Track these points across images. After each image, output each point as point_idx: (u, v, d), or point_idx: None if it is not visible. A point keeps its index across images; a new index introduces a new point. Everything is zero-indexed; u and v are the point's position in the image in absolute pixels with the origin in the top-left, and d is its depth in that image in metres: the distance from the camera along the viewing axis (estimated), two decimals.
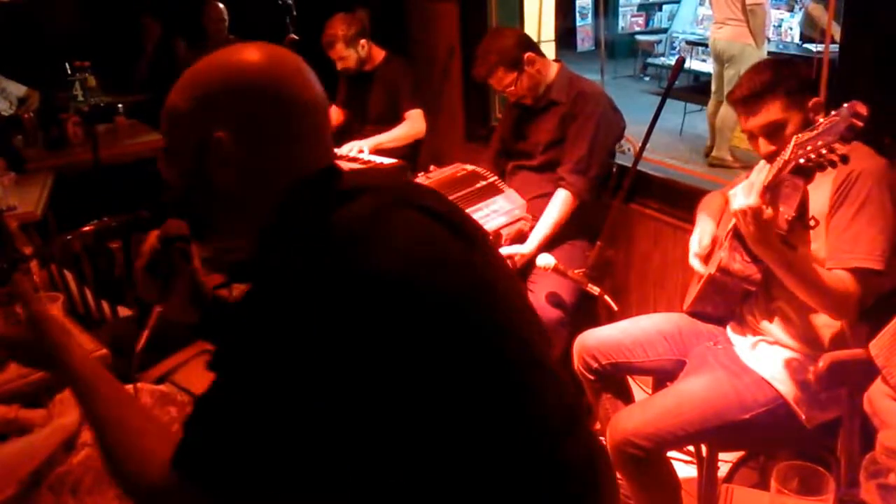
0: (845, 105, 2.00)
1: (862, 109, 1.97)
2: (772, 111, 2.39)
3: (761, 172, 2.35)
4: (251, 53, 1.40)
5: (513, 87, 3.69)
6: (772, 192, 2.22)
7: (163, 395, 2.43)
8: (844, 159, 2.01)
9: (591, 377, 2.89)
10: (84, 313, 3.53)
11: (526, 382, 1.39)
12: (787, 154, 2.16)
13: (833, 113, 2.04)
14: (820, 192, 2.38)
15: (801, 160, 2.08)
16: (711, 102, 7.74)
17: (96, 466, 2.12)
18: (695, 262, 2.76)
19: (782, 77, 2.40)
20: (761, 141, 2.43)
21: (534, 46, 3.76)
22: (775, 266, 2.30)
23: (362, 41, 4.79)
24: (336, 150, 3.80)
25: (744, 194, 2.21)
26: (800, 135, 2.14)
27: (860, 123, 1.96)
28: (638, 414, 2.47)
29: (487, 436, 1.30)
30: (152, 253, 1.70)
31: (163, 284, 1.72)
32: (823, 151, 2.02)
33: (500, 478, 1.32)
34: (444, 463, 1.28)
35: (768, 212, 2.19)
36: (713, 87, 7.74)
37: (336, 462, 1.27)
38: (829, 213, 2.36)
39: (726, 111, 7.30)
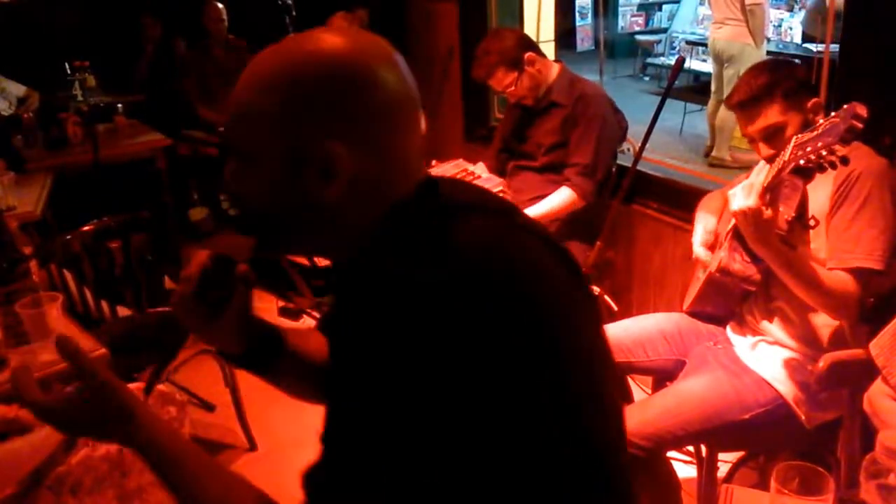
0: (845, 106, 2.00)
1: (862, 111, 1.97)
2: (770, 115, 2.39)
3: (760, 173, 2.35)
4: (337, 39, 1.21)
5: (513, 88, 3.69)
6: (771, 192, 2.22)
7: (162, 394, 2.43)
8: (844, 161, 2.01)
9: None
10: (83, 313, 3.53)
11: (607, 417, 1.28)
12: (786, 155, 2.17)
13: (833, 114, 2.04)
14: (820, 192, 2.38)
15: (801, 161, 2.08)
16: (711, 102, 7.73)
17: (96, 466, 2.13)
18: (700, 251, 2.77)
19: (780, 79, 2.40)
20: (761, 145, 2.44)
21: (534, 46, 3.76)
22: (775, 266, 2.30)
23: None
24: None
25: (743, 195, 2.21)
26: (799, 135, 2.15)
27: (860, 125, 1.97)
28: (637, 414, 2.47)
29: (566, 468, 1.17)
30: (204, 276, 1.43)
31: (211, 312, 1.45)
32: (823, 153, 2.02)
33: None
34: (531, 485, 1.14)
35: (768, 212, 2.19)
36: (713, 87, 7.73)
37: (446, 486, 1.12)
38: (830, 213, 2.35)
39: (726, 112, 7.28)
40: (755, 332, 2.63)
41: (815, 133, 2.07)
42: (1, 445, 2.13)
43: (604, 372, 1.30)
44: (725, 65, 7.34)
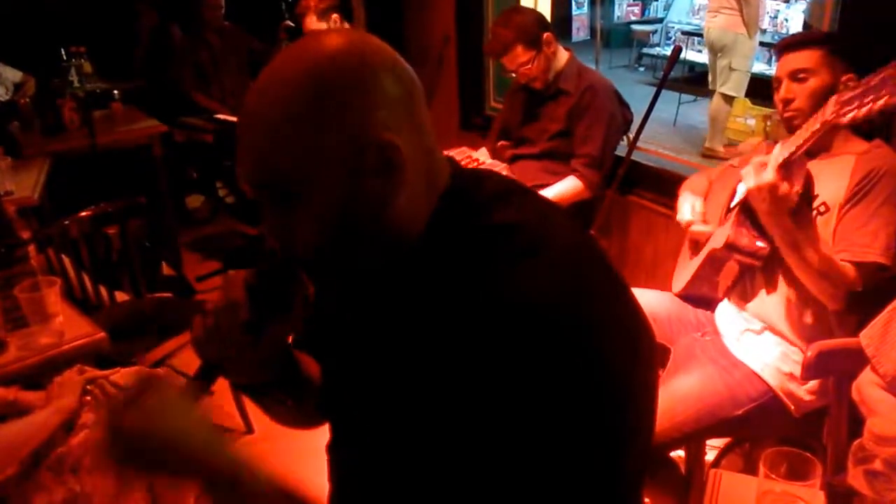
0: (888, 65, 1.94)
1: None
2: (806, 58, 2.43)
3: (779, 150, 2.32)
4: (334, 39, 1.14)
5: (527, 67, 3.65)
6: (786, 168, 2.22)
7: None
8: (882, 121, 1.97)
9: None
10: (81, 298, 3.55)
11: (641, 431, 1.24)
12: (827, 113, 2.11)
13: (877, 71, 1.98)
14: (834, 181, 2.39)
15: (848, 116, 2.03)
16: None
17: (95, 447, 2.15)
18: (697, 226, 2.80)
19: (831, 39, 2.50)
20: (784, 86, 2.45)
21: (551, 28, 3.73)
22: (783, 244, 2.31)
23: (334, 15, 4.72)
24: None
25: (757, 172, 2.23)
26: (840, 94, 2.09)
27: None
28: None
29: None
30: (253, 297, 1.25)
31: (254, 341, 1.28)
32: (877, 105, 1.94)
33: None
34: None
35: (784, 187, 2.20)
36: (710, 79, 7.65)
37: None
38: (845, 204, 2.35)
39: (719, 102, 7.30)
40: (743, 320, 2.65)
41: (862, 88, 2.00)
42: (1, 427, 2.15)
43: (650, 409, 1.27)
44: (719, 55, 7.29)
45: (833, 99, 2.10)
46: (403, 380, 1.13)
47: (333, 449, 1.43)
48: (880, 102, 1.94)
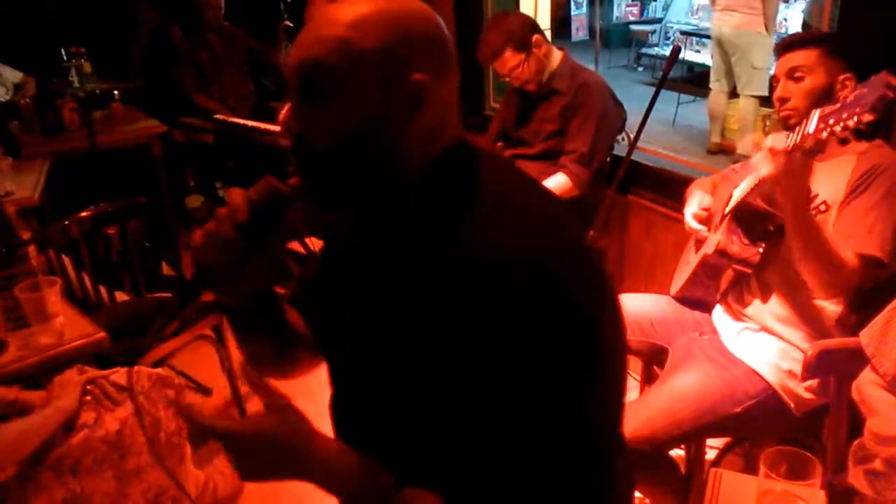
0: (873, 76, 1.97)
1: (895, 81, 1.93)
2: (803, 57, 2.44)
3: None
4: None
5: (519, 70, 3.67)
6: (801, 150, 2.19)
7: (160, 377, 2.46)
8: (869, 130, 1.96)
9: None
10: (82, 298, 3.55)
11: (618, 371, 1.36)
12: (810, 127, 2.10)
13: (860, 85, 2.00)
14: (835, 179, 2.38)
15: (824, 134, 2.03)
16: (712, 95, 7.62)
17: (95, 447, 2.15)
18: (692, 222, 2.81)
19: (829, 39, 2.51)
20: (781, 84, 2.48)
21: (540, 30, 3.75)
22: (795, 228, 2.27)
23: None
24: None
25: (769, 158, 2.20)
26: (823, 108, 2.09)
27: (893, 94, 1.92)
28: (632, 418, 2.45)
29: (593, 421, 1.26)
30: (253, 211, 1.35)
31: (246, 253, 1.36)
32: (850, 123, 1.97)
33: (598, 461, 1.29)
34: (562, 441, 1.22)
35: (800, 159, 2.17)
36: (713, 78, 7.53)
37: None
38: (845, 201, 2.35)
39: (717, 98, 7.31)
40: (740, 319, 2.65)
41: (840, 105, 2.02)
42: (2, 427, 2.15)
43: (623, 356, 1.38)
44: (734, 56, 7.12)
45: (817, 113, 2.10)
46: (391, 322, 1.24)
47: (335, 405, 1.51)
48: (853, 120, 1.96)
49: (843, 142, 1.99)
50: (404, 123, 1.25)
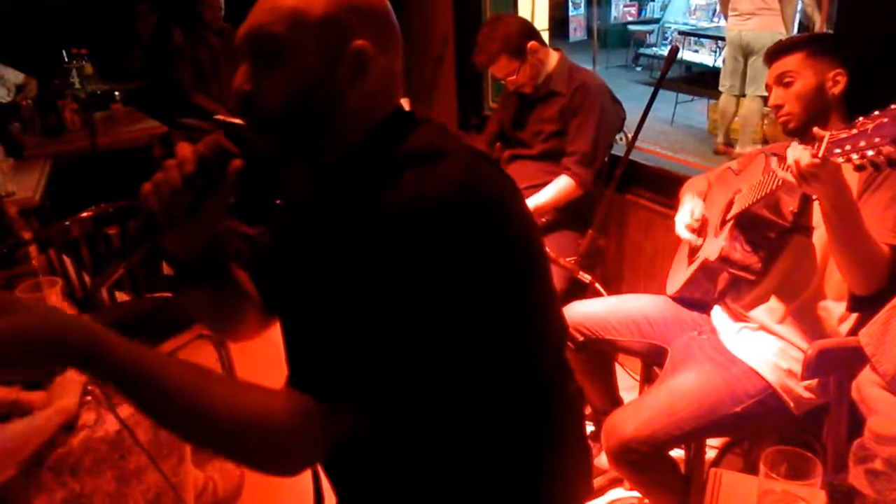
0: (893, 106, 1.85)
1: None
2: (789, 62, 2.49)
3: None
4: None
5: (514, 76, 3.69)
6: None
7: None
8: (893, 163, 1.84)
9: (575, 349, 2.96)
10: (82, 298, 3.55)
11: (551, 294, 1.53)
12: (820, 150, 2.00)
13: (878, 113, 1.88)
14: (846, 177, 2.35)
15: (840, 160, 1.93)
16: (723, 97, 7.55)
17: (96, 448, 2.15)
18: (684, 232, 2.82)
19: (812, 41, 2.54)
20: (773, 93, 2.54)
21: (536, 34, 3.75)
22: (836, 213, 2.16)
23: None
24: None
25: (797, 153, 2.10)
26: (833, 132, 1.97)
27: None
28: (632, 418, 2.46)
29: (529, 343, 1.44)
30: (201, 163, 1.41)
31: (193, 204, 1.41)
32: (870, 153, 1.85)
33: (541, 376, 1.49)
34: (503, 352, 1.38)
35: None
36: (728, 84, 7.43)
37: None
38: (859, 199, 2.30)
39: (727, 101, 7.33)
40: (739, 318, 2.65)
41: (856, 132, 1.90)
42: (2, 427, 2.15)
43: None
44: (753, 57, 7.08)
45: (826, 136, 2.00)
46: (338, 265, 1.28)
47: (289, 360, 1.54)
48: (872, 151, 1.85)
49: (860, 168, 1.91)
50: (347, 86, 1.36)
